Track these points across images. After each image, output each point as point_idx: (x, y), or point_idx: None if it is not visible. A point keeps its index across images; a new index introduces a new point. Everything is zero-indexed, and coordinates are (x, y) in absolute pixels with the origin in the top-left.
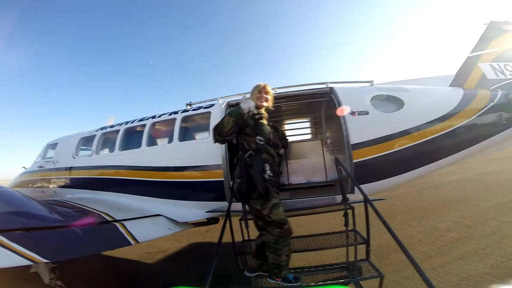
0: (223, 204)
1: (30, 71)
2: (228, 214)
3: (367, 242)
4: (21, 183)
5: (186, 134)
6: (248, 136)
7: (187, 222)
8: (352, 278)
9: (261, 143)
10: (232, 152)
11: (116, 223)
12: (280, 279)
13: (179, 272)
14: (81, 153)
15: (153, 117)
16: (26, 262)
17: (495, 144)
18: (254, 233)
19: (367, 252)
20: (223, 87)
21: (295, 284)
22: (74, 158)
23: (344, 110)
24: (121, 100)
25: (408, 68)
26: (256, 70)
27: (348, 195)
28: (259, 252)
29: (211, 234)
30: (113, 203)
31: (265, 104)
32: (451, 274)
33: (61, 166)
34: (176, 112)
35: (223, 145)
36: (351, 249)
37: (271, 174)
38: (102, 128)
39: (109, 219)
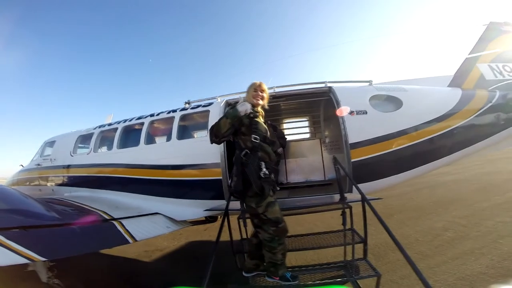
0: (222, 203)
1: (29, 70)
2: (226, 212)
3: (364, 241)
4: (19, 181)
5: (185, 132)
6: (244, 135)
7: (185, 221)
8: (349, 277)
9: (257, 141)
10: (231, 151)
11: (114, 221)
12: (278, 278)
13: (177, 271)
14: (79, 151)
15: (152, 115)
16: (23, 261)
17: (493, 144)
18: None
19: (365, 251)
20: (223, 86)
21: (293, 282)
22: (72, 156)
23: (342, 110)
24: (119, 98)
25: (407, 68)
26: (255, 69)
27: (346, 194)
28: (254, 252)
29: (209, 233)
30: (111, 201)
31: (260, 102)
32: (448, 273)
33: (59, 164)
34: (174, 111)
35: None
36: (349, 248)
37: (266, 172)
38: (100, 126)
39: (107, 217)
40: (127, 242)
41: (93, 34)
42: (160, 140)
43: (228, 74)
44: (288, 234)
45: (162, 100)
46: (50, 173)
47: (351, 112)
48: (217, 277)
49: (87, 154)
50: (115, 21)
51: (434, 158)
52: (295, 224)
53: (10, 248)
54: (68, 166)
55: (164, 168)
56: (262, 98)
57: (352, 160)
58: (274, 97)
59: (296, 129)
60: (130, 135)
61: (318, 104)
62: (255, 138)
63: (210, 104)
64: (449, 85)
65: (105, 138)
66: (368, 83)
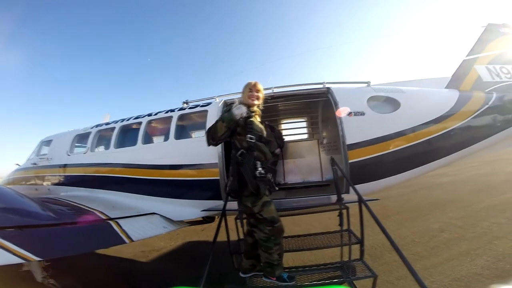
0: (219, 203)
1: (29, 69)
2: (223, 213)
3: (361, 242)
4: (14, 180)
5: (183, 132)
6: (239, 135)
7: (182, 221)
8: (346, 277)
9: (252, 141)
10: (229, 151)
11: (110, 221)
12: (274, 278)
13: (174, 271)
14: (76, 150)
15: (149, 114)
16: (18, 260)
17: (489, 146)
18: None
19: (361, 252)
20: (222, 86)
21: (289, 283)
22: (69, 155)
23: (340, 111)
24: (117, 98)
25: (405, 69)
26: (254, 69)
27: (343, 195)
28: (250, 252)
29: (206, 233)
30: (107, 201)
31: (256, 102)
32: (443, 274)
33: (55, 163)
34: (172, 110)
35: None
36: (346, 248)
37: (262, 172)
38: (97, 126)
39: (103, 217)
40: (123, 242)
41: (92, 33)
42: (157, 140)
43: (227, 74)
44: (285, 235)
45: (161, 99)
46: (47, 172)
47: (349, 113)
48: (214, 277)
49: (84, 153)
50: (114, 20)
51: (431, 159)
52: (292, 225)
53: (5, 248)
54: (65, 166)
55: (162, 168)
56: (258, 98)
57: (350, 161)
58: (272, 98)
59: (294, 129)
60: (127, 135)
61: (316, 105)
62: (251, 138)
63: (208, 104)
64: (447, 87)
65: (102, 137)
66: (366, 84)
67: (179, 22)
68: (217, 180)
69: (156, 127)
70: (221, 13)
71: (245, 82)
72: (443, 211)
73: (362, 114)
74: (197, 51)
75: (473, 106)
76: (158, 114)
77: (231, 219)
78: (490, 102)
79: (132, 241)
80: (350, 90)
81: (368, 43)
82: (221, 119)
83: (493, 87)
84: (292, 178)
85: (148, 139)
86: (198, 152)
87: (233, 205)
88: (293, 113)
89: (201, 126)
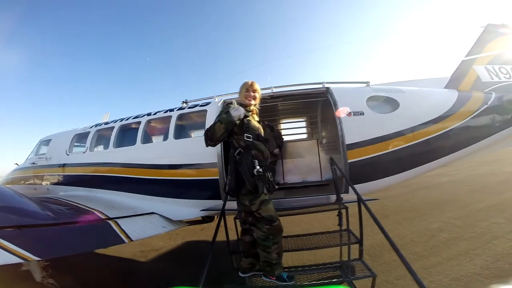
0: (218, 203)
1: (29, 68)
2: (222, 212)
3: (360, 241)
4: (13, 180)
5: (182, 132)
6: (237, 134)
7: (181, 221)
8: (345, 277)
9: (250, 140)
10: (228, 151)
11: (109, 221)
12: (274, 278)
13: (173, 271)
14: (75, 149)
15: (149, 114)
16: (17, 260)
17: (488, 146)
18: None
19: (360, 252)
20: (221, 86)
21: (289, 283)
22: (68, 154)
23: (339, 111)
24: (117, 97)
25: (404, 69)
26: (254, 68)
27: (342, 195)
28: (247, 250)
29: (205, 233)
30: (106, 201)
31: (252, 102)
32: (443, 274)
33: (54, 163)
34: (171, 110)
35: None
36: (345, 248)
37: (260, 170)
38: (96, 125)
39: (102, 217)
40: (122, 242)
41: (92, 33)
42: (157, 139)
43: (227, 74)
44: (285, 235)
45: (161, 99)
46: (46, 172)
47: (348, 113)
48: (213, 276)
49: (83, 153)
50: (114, 20)
51: (430, 159)
52: (292, 225)
53: (4, 248)
54: (64, 165)
55: (161, 168)
56: (254, 98)
57: (349, 161)
58: (271, 97)
59: (293, 129)
60: (126, 134)
61: (315, 105)
62: (248, 137)
63: (207, 103)
64: (446, 87)
65: (102, 137)
66: (365, 84)
67: (179, 22)
68: (216, 179)
69: (155, 127)
70: (221, 13)
71: (243, 81)
72: (442, 211)
73: (361, 114)
74: (197, 51)
75: (472, 106)
76: (157, 113)
77: (230, 219)
78: (489, 102)
79: (131, 240)
80: (350, 90)
81: (368, 43)
82: (219, 121)
83: (492, 87)
84: (291, 178)
85: (147, 139)
86: (197, 152)
87: (232, 204)
88: (292, 113)
89: (200, 125)
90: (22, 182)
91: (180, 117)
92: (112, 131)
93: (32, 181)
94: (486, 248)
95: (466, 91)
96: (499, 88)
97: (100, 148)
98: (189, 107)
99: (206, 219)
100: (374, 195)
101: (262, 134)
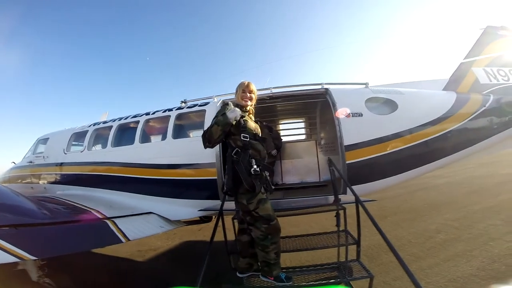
0: (216, 203)
1: (29, 68)
2: (221, 212)
3: (357, 242)
4: (10, 178)
5: (180, 131)
6: (234, 135)
7: (179, 220)
8: (342, 278)
9: (246, 140)
10: (226, 151)
11: (106, 221)
12: (272, 278)
13: (171, 271)
14: (73, 148)
15: (147, 113)
16: (12, 259)
17: (486, 148)
18: None
19: (358, 253)
20: (222, 86)
21: (287, 283)
22: (65, 153)
23: (338, 112)
24: (116, 97)
25: (403, 71)
26: (254, 69)
27: (340, 196)
28: (245, 250)
29: (203, 233)
30: (104, 200)
31: (249, 103)
32: (440, 275)
33: (52, 162)
34: (170, 109)
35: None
36: (342, 249)
37: (257, 169)
38: (95, 124)
39: (100, 216)
40: (120, 241)
41: (92, 33)
42: (155, 139)
43: (227, 74)
44: (283, 235)
45: (161, 99)
46: (43, 170)
47: (347, 114)
48: (211, 276)
49: (81, 152)
50: (114, 20)
51: (428, 161)
52: (290, 225)
53: (0, 247)
54: (61, 164)
55: (159, 167)
56: (250, 99)
57: (347, 162)
58: (270, 98)
59: (292, 130)
60: (125, 134)
61: (314, 106)
62: (245, 137)
63: (206, 103)
64: (445, 89)
65: (100, 136)
66: (364, 85)
67: (179, 22)
68: (215, 180)
69: (154, 126)
70: (221, 13)
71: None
72: (440, 213)
73: (360, 115)
74: (197, 51)
75: (471, 108)
76: (156, 113)
77: (228, 219)
78: (487, 104)
79: (129, 240)
80: (348, 91)
81: (367, 44)
82: (216, 123)
83: (490, 89)
84: (290, 178)
85: (145, 138)
86: (196, 152)
87: (230, 205)
88: (291, 114)
89: (199, 125)
90: (19, 181)
91: (178, 117)
92: (110, 130)
93: (29, 180)
94: (482, 250)
95: (465, 93)
96: (498, 90)
97: (98, 147)
98: (188, 107)
99: (204, 219)
100: (372, 196)
101: (260, 134)
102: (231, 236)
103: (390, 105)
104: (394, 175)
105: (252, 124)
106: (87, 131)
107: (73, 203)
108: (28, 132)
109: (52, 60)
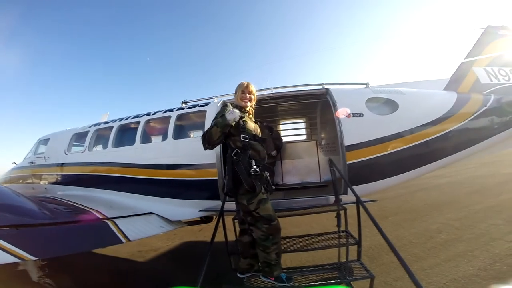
0: (217, 203)
1: (29, 68)
2: (221, 213)
3: (358, 243)
4: (11, 179)
5: (181, 132)
6: (233, 136)
7: (180, 221)
8: (343, 278)
9: (246, 140)
10: (227, 151)
11: (107, 221)
12: (273, 278)
13: (171, 271)
14: (74, 149)
15: (148, 114)
16: (14, 260)
17: (487, 148)
18: None
19: (358, 253)
20: (222, 86)
21: (287, 284)
22: (66, 154)
23: (339, 112)
24: (117, 97)
25: (404, 71)
26: (256, 69)
27: (341, 196)
28: (246, 251)
29: (204, 233)
30: (105, 201)
31: (248, 103)
32: (440, 275)
33: (53, 162)
34: (171, 110)
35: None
36: (343, 249)
37: (257, 170)
38: (95, 124)
39: (100, 216)
40: (120, 242)
41: (92, 33)
42: (156, 139)
43: (228, 74)
44: (284, 236)
45: (161, 100)
46: (44, 171)
47: (347, 114)
48: (212, 277)
49: (82, 152)
50: (114, 20)
51: (429, 161)
52: (291, 226)
53: (1, 247)
54: (62, 165)
55: (160, 168)
56: (250, 100)
57: (348, 162)
58: (271, 98)
59: (292, 130)
60: (125, 134)
61: (315, 106)
62: (244, 138)
63: (207, 104)
64: (445, 89)
65: (100, 136)
66: (365, 86)
67: (179, 23)
68: (215, 180)
69: (155, 127)
70: (221, 13)
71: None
72: (441, 213)
73: (361, 115)
74: (197, 51)
75: (471, 108)
76: (157, 113)
77: (229, 220)
78: (488, 104)
79: (129, 240)
80: (349, 91)
81: (368, 45)
82: (215, 125)
83: (491, 89)
84: (290, 178)
85: (146, 139)
86: (196, 152)
87: (231, 205)
88: (292, 114)
89: (200, 126)
90: (20, 181)
91: (179, 117)
92: (111, 130)
93: (30, 181)
94: (484, 250)
95: (465, 93)
96: (498, 90)
97: (99, 147)
98: (189, 107)
99: (205, 220)
100: (373, 196)
101: (259, 134)
102: (231, 237)
103: (390, 105)
104: (395, 175)
105: (251, 125)
106: (88, 131)
107: (73, 204)
108: (28, 133)
109: (52, 60)
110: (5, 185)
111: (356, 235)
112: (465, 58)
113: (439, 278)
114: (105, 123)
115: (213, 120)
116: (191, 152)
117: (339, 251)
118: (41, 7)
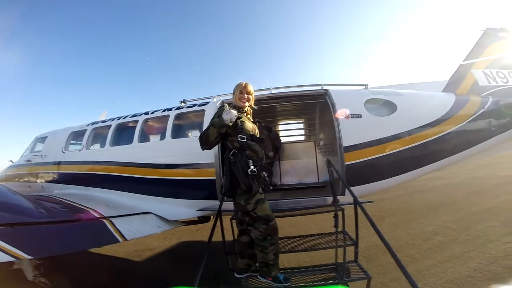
0: (215, 203)
1: (28, 67)
2: (219, 213)
3: (355, 243)
4: (7, 177)
5: (179, 131)
6: (231, 136)
7: (177, 220)
8: (340, 279)
9: (243, 140)
10: (225, 151)
11: (104, 220)
12: (270, 278)
13: (168, 271)
14: (71, 147)
15: (146, 113)
16: (8, 259)
17: (485, 150)
18: None
19: (356, 254)
20: (222, 86)
21: (285, 284)
22: (64, 152)
23: (337, 113)
24: (115, 96)
25: (404, 72)
26: (255, 69)
27: (338, 197)
28: (244, 251)
29: (201, 233)
30: (102, 200)
31: (246, 104)
32: (437, 276)
33: (50, 161)
34: (169, 109)
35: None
36: (340, 250)
37: (254, 170)
38: (93, 123)
39: (97, 215)
40: (117, 241)
41: (92, 33)
42: (154, 138)
43: (228, 74)
44: (281, 236)
45: (161, 100)
46: (41, 169)
47: (346, 115)
48: (209, 277)
49: (79, 151)
50: (114, 20)
51: (427, 162)
52: (289, 226)
53: None
54: (59, 163)
55: (158, 167)
56: (248, 100)
57: (346, 163)
58: (270, 99)
59: (291, 131)
60: (123, 133)
61: (314, 107)
62: (242, 138)
63: (205, 103)
64: (444, 90)
65: (98, 135)
66: (364, 87)
67: (179, 23)
68: (213, 180)
69: (153, 126)
70: (221, 13)
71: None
72: (438, 214)
73: (359, 116)
74: (197, 51)
75: (469, 110)
76: (155, 112)
77: (226, 219)
78: (486, 107)
79: (126, 240)
80: (348, 92)
81: (368, 45)
82: (212, 125)
83: (489, 92)
84: (289, 179)
85: (144, 138)
86: (195, 152)
87: (229, 205)
88: (291, 115)
89: (198, 125)
90: (17, 179)
91: (178, 117)
92: (109, 129)
93: (26, 179)
94: (480, 251)
95: (464, 95)
96: (496, 92)
97: (97, 146)
98: (187, 107)
99: (202, 220)
100: (371, 197)
101: (257, 134)
102: (229, 237)
103: (389, 106)
104: (393, 176)
105: (249, 125)
106: (85, 130)
107: (70, 202)
108: (27, 132)
109: (52, 60)
110: (1, 183)
111: (353, 236)
112: (464, 60)
113: (435, 279)
114: (103, 121)
115: (210, 121)
116: (189, 152)
117: (336, 252)
118: (41, 7)
